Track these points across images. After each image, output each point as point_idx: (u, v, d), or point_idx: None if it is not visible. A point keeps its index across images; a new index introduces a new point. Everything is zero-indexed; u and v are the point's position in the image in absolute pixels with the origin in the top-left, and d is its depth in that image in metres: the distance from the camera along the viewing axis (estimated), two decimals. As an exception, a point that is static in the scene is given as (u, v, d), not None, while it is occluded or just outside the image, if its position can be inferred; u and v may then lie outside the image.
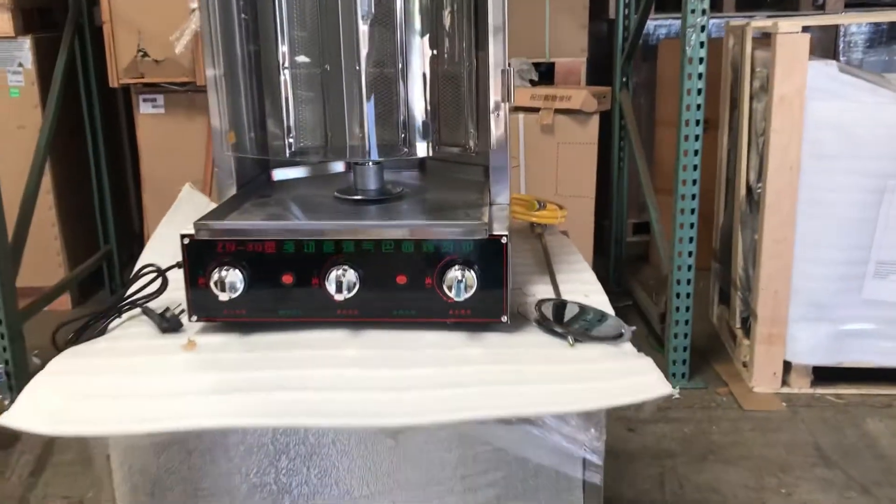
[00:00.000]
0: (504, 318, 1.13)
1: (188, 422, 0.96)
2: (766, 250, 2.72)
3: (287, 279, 1.14)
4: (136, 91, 3.38)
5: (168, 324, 1.19)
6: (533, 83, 3.52)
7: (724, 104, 3.20)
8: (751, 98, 2.89)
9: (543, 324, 1.17)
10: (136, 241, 3.98)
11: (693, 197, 2.73)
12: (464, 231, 1.10)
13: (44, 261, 3.49)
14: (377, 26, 1.34)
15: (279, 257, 1.14)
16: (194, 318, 1.17)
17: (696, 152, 2.70)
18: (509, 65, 1.20)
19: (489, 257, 1.11)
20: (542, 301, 1.23)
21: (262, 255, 1.14)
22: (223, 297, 1.13)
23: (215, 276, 1.12)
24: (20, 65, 3.39)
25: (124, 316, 1.26)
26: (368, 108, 1.30)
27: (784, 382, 2.82)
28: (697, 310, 2.92)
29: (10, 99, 3.40)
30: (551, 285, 1.34)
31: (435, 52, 1.31)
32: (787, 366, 2.81)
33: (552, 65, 3.59)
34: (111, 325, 1.25)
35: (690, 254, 2.80)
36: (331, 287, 1.12)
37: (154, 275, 1.26)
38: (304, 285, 1.14)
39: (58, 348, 1.26)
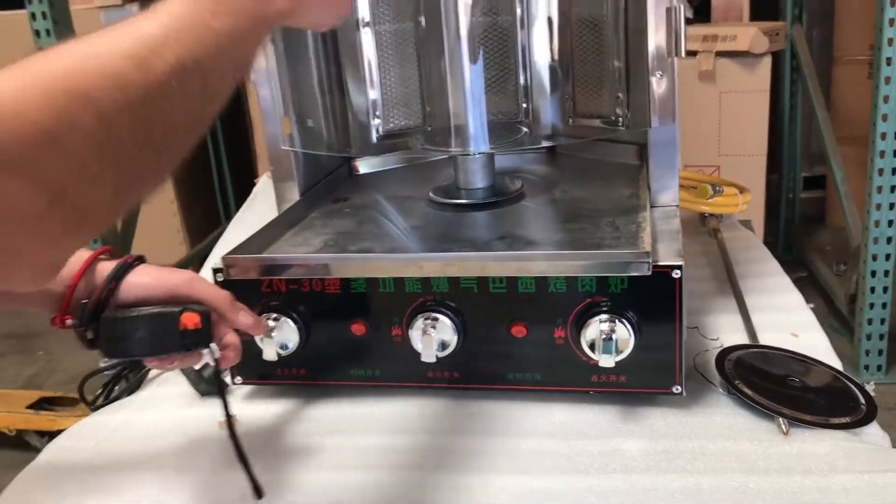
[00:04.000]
0: (676, 390, 0.75)
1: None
2: None
3: (358, 329, 0.80)
4: (247, 55, 3.13)
5: (207, 386, 0.88)
6: (687, 22, 3.00)
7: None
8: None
9: (734, 392, 0.78)
10: (257, 215, 3.78)
11: (895, 154, 2.20)
12: (612, 263, 0.72)
13: (164, 238, 3.34)
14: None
15: (346, 299, 0.80)
16: (239, 380, 0.86)
17: (900, 98, 2.16)
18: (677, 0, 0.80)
19: (653, 300, 0.73)
20: (728, 351, 0.84)
21: (322, 296, 0.80)
22: (269, 353, 0.80)
23: (261, 327, 0.80)
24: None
25: (163, 365, 0.96)
26: (473, 74, 0.94)
27: None
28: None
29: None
30: (739, 316, 0.94)
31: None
32: None
33: (708, -3, 3.07)
34: (147, 378, 0.96)
35: (891, 223, 2.28)
36: (417, 342, 0.77)
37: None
38: (381, 338, 0.80)
39: (86, 402, 0.99)
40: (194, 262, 3.36)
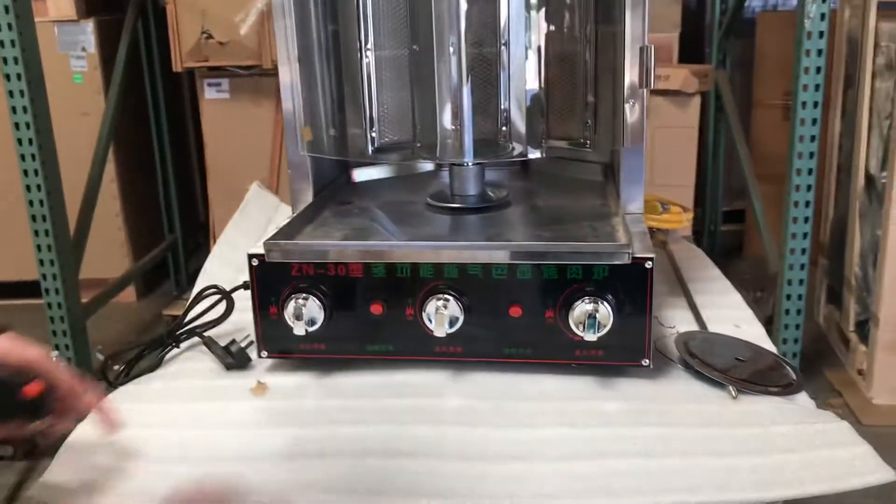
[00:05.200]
0: (645, 362, 0.91)
1: (260, 499, 0.76)
2: (893, 248, 2.41)
3: (376, 309, 0.93)
4: (200, 75, 3.22)
5: (234, 360, 1.00)
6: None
7: (837, 83, 2.88)
8: (873, 76, 2.58)
9: (693, 367, 0.93)
10: (200, 230, 3.84)
11: (809, 188, 2.43)
12: (600, 253, 0.87)
13: (108, 252, 3.36)
14: (477, -1, 1.11)
15: (366, 283, 0.93)
16: (264, 353, 0.97)
17: (813, 138, 2.41)
18: (649, 42, 0.96)
19: (629, 286, 0.88)
20: (685, 335, 1.00)
21: (345, 279, 0.93)
22: (299, 329, 0.92)
23: (290, 306, 0.92)
24: (83, 49, 3.25)
25: (183, 345, 1.07)
26: (465, 96, 1.08)
27: (910, 394, 2.53)
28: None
29: (73, 85, 3.27)
30: (690, 311, 1.10)
31: (552, 26, 1.09)
32: (914, 376, 2.51)
33: (641, 42, 3.30)
34: (167, 357, 1.06)
35: (804, 251, 2.51)
36: (429, 320, 0.91)
37: (217, 298, 1.07)
38: (396, 317, 0.93)
39: (109, 383, 1.08)
40: (137, 276, 3.39)
